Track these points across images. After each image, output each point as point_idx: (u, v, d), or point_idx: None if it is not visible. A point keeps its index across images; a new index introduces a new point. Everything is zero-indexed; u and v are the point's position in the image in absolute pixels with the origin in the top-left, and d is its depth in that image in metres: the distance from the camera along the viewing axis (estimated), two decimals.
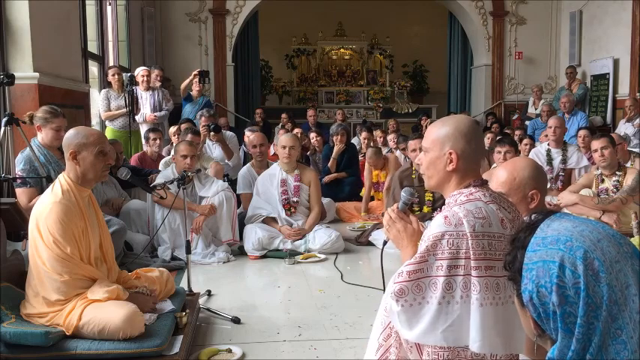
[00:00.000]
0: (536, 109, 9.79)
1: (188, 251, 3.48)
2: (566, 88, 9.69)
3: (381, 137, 8.18)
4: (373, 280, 3.91)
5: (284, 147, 4.88)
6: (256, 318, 3.32)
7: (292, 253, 4.60)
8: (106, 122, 6.66)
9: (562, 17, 10.80)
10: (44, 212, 2.47)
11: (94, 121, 6.88)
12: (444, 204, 1.88)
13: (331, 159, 6.87)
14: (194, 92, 7.60)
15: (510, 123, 10.16)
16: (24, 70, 4.77)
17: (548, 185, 5.16)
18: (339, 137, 6.87)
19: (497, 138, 5.67)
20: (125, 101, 6.43)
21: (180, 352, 2.51)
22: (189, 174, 3.98)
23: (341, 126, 7.21)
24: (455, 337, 1.70)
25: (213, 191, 4.69)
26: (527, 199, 2.28)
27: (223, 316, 3.26)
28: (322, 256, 4.61)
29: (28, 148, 3.81)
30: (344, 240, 4.91)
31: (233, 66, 10.45)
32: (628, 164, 4.97)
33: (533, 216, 1.13)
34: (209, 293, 3.72)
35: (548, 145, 5.71)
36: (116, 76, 6.63)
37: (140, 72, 6.97)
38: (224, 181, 5.20)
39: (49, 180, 3.53)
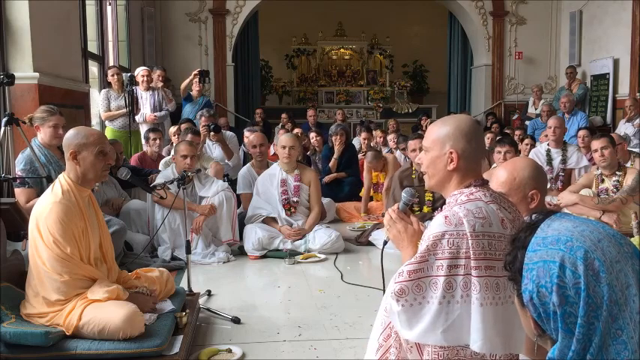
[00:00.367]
0: (536, 109, 9.79)
1: (188, 251, 3.48)
2: (566, 88, 9.69)
3: (381, 137, 8.18)
4: (373, 280, 3.91)
5: (284, 147, 4.88)
6: (256, 318, 3.32)
7: (292, 253, 4.60)
8: (106, 122, 6.66)
9: (562, 17, 10.80)
10: (44, 212, 2.47)
11: (94, 121, 6.88)
12: (444, 204, 1.88)
13: (332, 159, 6.88)
14: (194, 92, 7.60)
15: (510, 123, 10.16)
16: (24, 70, 4.77)
17: (548, 185, 5.16)
18: (338, 137, 6.87)
19: (497, 138, 5.67)
20: (125, 101, 6.43)
21: (180, 352, 2.51)
22: (189, 174, 3.98)
23: (340, 126, 7.21)
24: (455, 336, 1.70)
25: (213, 191, 4.69)
26: (528, 199, 2.28)
27: (223, 316, 3.26)
28: (322, 256, 4.61)
29: (28, 148, 3.81)
30: (344, 240, 4.91)
31: (233, 66, 10.45)
32: (628, 164, 4.97)
33: (533, 216, 1.13)
34: (209, 293, 3.71)
35: (548, 145, 5.71)
36: (116, 76, 6.63)
37: (140, 72, 6.97)
38: (224, 181, 5.19)
39: (50, 180, 3.53)
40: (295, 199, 4.91)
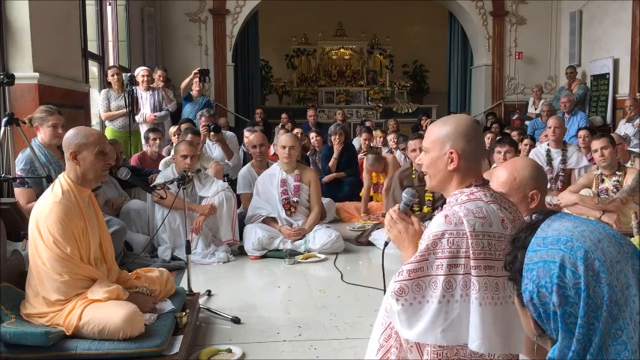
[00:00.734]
0: (536, 109, 9.79)
1: (188, 251, 3.48)
2: (566, 88, 9.69)
3: (381, 137, 8.18)
4: (373, 280, 3.91)
5: (284, 147, 4.88)
6: (256, 318, 3.32)
7: (292, 253, 4.60)
8: (106, 122, 6.66)
9: (562, 17, 10.80)
10: (44, 212, 2.47)
11: (94, 121, 6.88)
12: (444, 203, 1.88)
13: (332, 159, 6.88)
14: (194, 92, 7.60)
15: (510, 123, 10.16)
16: (24, 70, 4.77)
17: (548, 185, 5.16)
18: (337, 137, 6.88)
19: (497, 138, 5.67)
20: (125, 101, 6.43)
21: (180, 352, 2.51)
22: (189, 174, 3.98)
23: (339, 126, 7.21)
24: (454, 336, 1.70)
25: (213, 191, 4.69)
26: (528, 199, 2.28)
27: (223, 316, 3.26)
28: (322, 256, 4.61)
29: (28, 148, 3.81)
30: (344, 240, 4.91)
31: (233, 66, 10.45)
32: (628, 164, 4.97)
33: (533, 216, 1.13)
34: (209, 293, 3.72)
35: (548, 145, 5.71)
36: (116, 76, 6.62)
37: (140, 72, 6.97)
38: (224, 181, 5.20)
39: (50, 180, 3.53)
40: (295, 199, 4.91)
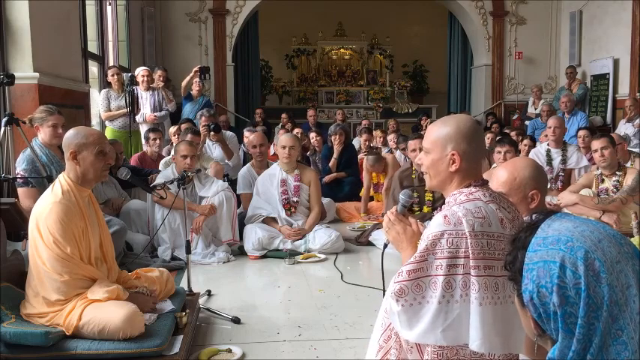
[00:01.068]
0: (536, 109, 9.79)
1: (188, 251, 3.48)
2: (566, 88, 9.69)
3: (381, 137, 8.19)
4: (373, 280, 3.91)
5: (284, 147, 4.88)
6: (256, 318, 3.32)
7: (292, 253, 4.60)
8: (106, 122, 6.66)
9: (562, 17, 10.80)
10: (44, 212, 2.47)
11: (94, 121, 6.88)
12: (444, 204, 1.88)
13: (332, 159, 6.88)
14: (194, 91, 7.61)
15: (510, 123, 10.16)
16: (24, 70, 4.77)
17: (548, 185, 5.15)
18: (337, 137, 6.88)
19: (497, 138, 5.67)
20: (125, 101, 6.43)
21: (180, 352, 2.51)
22: (189, 174, 3.98)
23: (339, 126, 7.21)
24: (454, 336, 1.70)
25: (213, 191, 4.69)
26: (528, 199, 2.28)
27: (223, 316, 3.26)
28: (322, 256, 4.61)
29: (29, 148, 3.81)
30: (344, 240, 4.91)
31: (233, 66, 10.45)
32: (628, 164, 4.97)
33: (533, 216, 1.12)
34: (209, 293, 3.71)
35: (548, 145, 5.71)
36: (116, 76, 6.62)
37: (140, 72, 6.98)
38: (224, 181, 5.20)
39: (51, 180, 3.53)
40: (295, 199, 4.91)
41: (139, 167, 5.51)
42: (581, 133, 6.02)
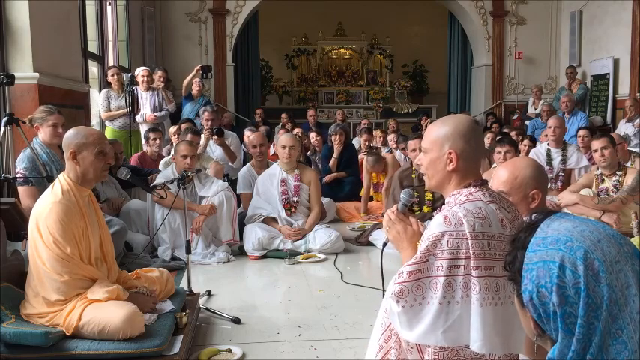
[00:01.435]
0: (536, 109, 9.79)
1: (188, 251, 3.48)
2: (566, 88, 9.69)
3: (380, 137, 8.19)
4: (373, 280, 3.91)
5: (284, 147, 4.88)
6: (256, 318, 3.32)
7: (292, 253, 4.60)
8: (106, 122, 6.66)
9: (562, 17, 10.80)
10: (44, 212, 2.47)
11: (94, 121, 6.88)
12: (444, 204, 1.88)
13: (332, 159, 6.88)
14: (194, 91, 7.61)
15: (510, 123, 10.16)
16: (24, 70, 4.77)
17: (548, 185, 5.15)
18: (337, 137, 6.88)
19: (497, 138, 5.67)
20: (125, 101, 6.43)
21: (180, 352, 2.51)
22: (189, 174, 3.98)
23: (339, 126, 7.21)
24: (455, 337, 1.70)
25: (213, 191, 4.69)
26: (528, 199, 2.28)
27: (223, 316, 3.26)
28: (322, 256, 4.61)
29: (29, 148, 3.81)
30: (344, 240, 4.92)
31: (233, 66, 10.45)
32: (628, 164, 4.97)
33: (533, 216, 1.13)
34: (209, 293, 3.72)
35: (548, 145, 5.70)
36: (116, 76, 6.62)
37: (140, 72, 6.98)
38: (224, 181, 5.20)
39: (51, 180, 3.53)
40: (295, 199, 4.91)
41: (139, 167, 5.51)
42: (581, 133, 6.01)
